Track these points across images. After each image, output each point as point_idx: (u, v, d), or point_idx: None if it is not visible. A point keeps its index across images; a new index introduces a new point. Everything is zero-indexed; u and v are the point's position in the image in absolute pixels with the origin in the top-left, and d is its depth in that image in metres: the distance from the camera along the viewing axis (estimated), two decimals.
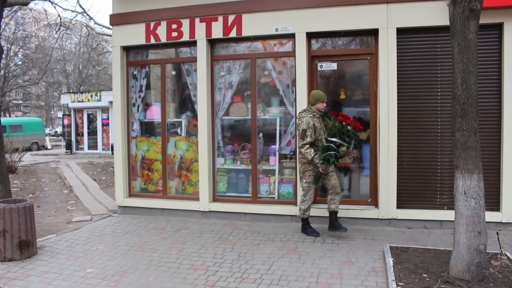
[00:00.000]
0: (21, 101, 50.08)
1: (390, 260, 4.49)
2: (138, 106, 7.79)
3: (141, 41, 7.37)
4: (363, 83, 6.70)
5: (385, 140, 6.22)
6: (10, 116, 41.94)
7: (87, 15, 20.52)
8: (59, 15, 16.23)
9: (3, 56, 33.71)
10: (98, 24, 20.49)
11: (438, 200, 6.25)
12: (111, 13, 7.55)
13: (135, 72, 7.76)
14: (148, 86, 7.82)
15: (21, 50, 37.06)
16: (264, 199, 7.00)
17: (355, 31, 6.47)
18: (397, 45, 6.17)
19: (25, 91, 44.78)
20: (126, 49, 7.62)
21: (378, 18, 6.19)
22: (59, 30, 17.25)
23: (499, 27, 5.98)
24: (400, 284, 3.87)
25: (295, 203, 6.69)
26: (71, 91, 36.97)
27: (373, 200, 6.50)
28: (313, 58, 6.66)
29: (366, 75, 6.60)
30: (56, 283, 4.36)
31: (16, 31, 35.17)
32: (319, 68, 6.68)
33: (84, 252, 5.35)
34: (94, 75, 41.96)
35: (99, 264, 4.92)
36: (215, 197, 7.23)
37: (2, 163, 5.95)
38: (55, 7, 14.05)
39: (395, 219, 6.25)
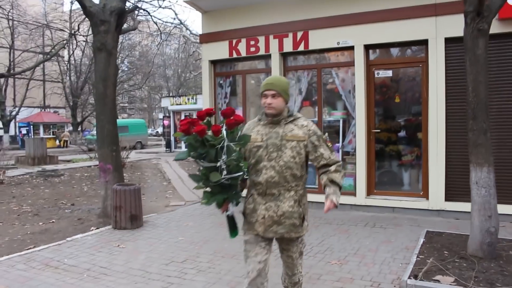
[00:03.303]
0: (127, 104, 55.23)
1: (421, 240, 5.34)
2: None
3: (225, 55, 8.76)
4: (415, 88, 7.47)
5: (434, 139, 6.94)
6: (117, 118, 46.41)
7: (184, 26, 22.79)
8: (159, 29, 18.40)
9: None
10: (194, 34, 22.62)
11: None
12: (201, 33, 9.06)
13: (221, 82, 9.18)
14: (231, 93, 9.20)
15: (127, 57, 41.23)
16: None
17: (407, 42, 7.26)
18: (445, 53, 6.86)
19: (130, 94, 49.49)
20: (213, 63, 9.06)
21: (428, 30, 6.93)
22: (159, 43, 19.45)
23: None
24: (420, 256, 4.75)
25: (354, 194, 7.63)
26: (170, 94, 40.29)
27: (424, 193, 7.24)
28: (370, 67, 7.56)
29: (419, 81, 7.35)
30: (156, 245, 5.83)
31: (123, 41, 39.20)
32: (376, 75, 7.55)
33: (177, 227, 6.82)
34: (192, 79, 45.23)
35: (188, 235, 6.33)
36: None
37: (118, 156, 7.67)
38: (155, 23, 16.06)
39: (443, 210, 6.94)
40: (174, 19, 34.88)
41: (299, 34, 7.97)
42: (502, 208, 5.57)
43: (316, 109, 8.18)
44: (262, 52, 8.37)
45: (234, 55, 8.66)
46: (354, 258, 5.08)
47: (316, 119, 8.16)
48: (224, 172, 2.71)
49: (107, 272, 4.87)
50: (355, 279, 4.42)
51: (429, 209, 7.03)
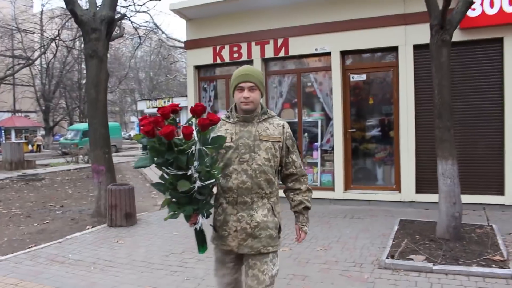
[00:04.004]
0: None
1: (395, 227, 5.97)
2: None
3: (209, 61, 9.24)
4: (387, 90, 8.13)
5: (405, 136, 7.61)
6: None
7: (160, 29, 23.10)
8: (137, 32, 18.69)
9: (82, 67, 37.41)
10: (170, 38, 22.93)
11: None
12: (186, 39, 9.51)
13: (205, 86, 9.65)
14: (215, 97, 9.69)
15: None
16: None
17: (380, 48, 7.92)
18: (414, 59, 7.54)
19: None
20: (198, 68, 9.53)
21: (398, 37, 7.60)
22: (137, 47, 19.71)
23: (500, 40, 7.16)
24: (395, 241, 5.35)
25: (333, 189, 8.24)
26: (144, 97, 40.26)
27: (397, 186, 7.90)
28: (346, 71, 8.18)
29: (390, 84, 8.02)
30: (153, 240, 6.27)
31: None
32: (351, 79, 8.18)
33: (170, 223, 7.16)
34: (164, 81, 45.34)
35: (181, 230, 6.77)
36: None
37: (110, 158, 8.02)
38: (135, 28, 16.36)
39: (414, 201, 7.61)
40: (148, 22, 35.04)
41: (280, 41, 8.53)
42: (466, 198, 6.24)
43: (296, 111, 8.75)
44: (244, 58, 8.89)
45: (218, 61, 9.14)
46: (337, 244, 5.66)
47: (296, 120, 8.72)
48: (197, 181, 2.32)
49: (112, 264, 5.28)
50: (340, 262, 4.99)
51: (402, 201, 7.69)
